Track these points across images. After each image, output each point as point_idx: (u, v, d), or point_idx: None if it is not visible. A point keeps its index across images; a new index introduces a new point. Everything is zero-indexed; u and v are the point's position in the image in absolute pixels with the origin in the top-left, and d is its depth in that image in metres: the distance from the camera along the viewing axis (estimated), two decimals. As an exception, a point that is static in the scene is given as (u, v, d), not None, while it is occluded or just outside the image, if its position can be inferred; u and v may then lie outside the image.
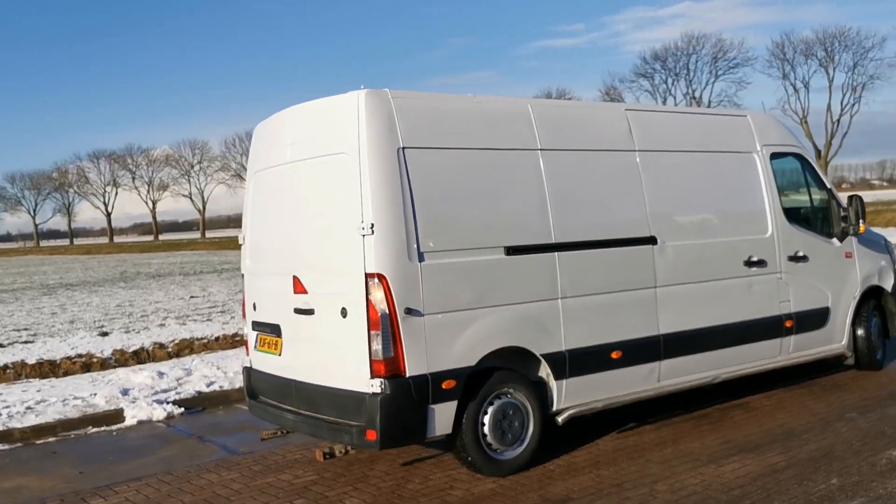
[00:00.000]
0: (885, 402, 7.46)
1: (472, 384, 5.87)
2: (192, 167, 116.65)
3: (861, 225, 8.36)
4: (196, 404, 9.46)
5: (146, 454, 7.49)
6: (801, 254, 7.95)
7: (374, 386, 5.52)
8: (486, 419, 5.96)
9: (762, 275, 7.65)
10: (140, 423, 8.79)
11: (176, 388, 9.91)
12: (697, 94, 76.77)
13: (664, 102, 75.76)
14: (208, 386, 9.93)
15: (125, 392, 9.63)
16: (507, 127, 6.34)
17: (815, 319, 8.07)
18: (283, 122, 6.62)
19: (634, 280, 6.77)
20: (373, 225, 5.52)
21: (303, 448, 7.14)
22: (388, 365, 5.51)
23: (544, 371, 6.27)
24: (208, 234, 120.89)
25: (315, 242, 6.11)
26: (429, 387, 5.63)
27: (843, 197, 8.57)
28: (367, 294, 5.54)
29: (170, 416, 8.98)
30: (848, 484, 5.39)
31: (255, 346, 6.91)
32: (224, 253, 61.60)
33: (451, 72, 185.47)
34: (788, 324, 7.80)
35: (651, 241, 6.88)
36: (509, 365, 6.11)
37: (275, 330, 6.53)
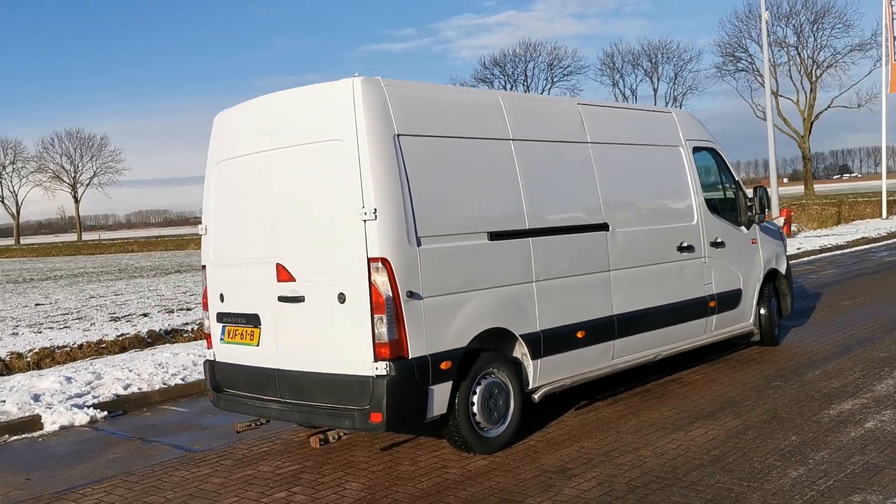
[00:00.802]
0: (798, 371, 8.26)
1: (463, 365, 6.05)
2: (4, 168, 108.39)
3: (767, 213, 9.22)
4: (117, 407, 9.06)
5: (91, 457, 7.14)
6: (719, 240, 8.67)
7: (379, 368, 5.59)
8: (476, 398, 6.16)
9: (691, 259, 8.28)
10: (63, 428, 8.32)
11: (90, 391, 9.41)
12: (533, 100, 79.68)
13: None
14: (125, 388, 9.50)
15: (36, 398, 9.05)
16: (485, 117, 6.58)
17: (731, 300, 8.81)
18: (256, 111, 6.52)
19: (593, 264, 7.18)
20: (375, 210, 5.59)
21: (266, 440, 7.08)
22: (393, 347, 5.60)
23: (521, 351, 6.53)
24: (23, 241, 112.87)
25: (304, 230, 6.08)
26: (429, 368, 5.76)
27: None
28: (370, 278, 5.60)
29: (93, 421, 8.55)
30: (807, 440, 6.00)
31: (222, 339, 6.76)
32: (49, 260, 57.94)
33: (277, 73, 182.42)
34: (712, 304, 8.49)
35: (604, 227, 7.31)
36: (493, 346, 6.33)
37: (251, 320, 6.43)
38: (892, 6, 32.62)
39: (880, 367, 8.16)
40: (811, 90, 65.70)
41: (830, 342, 9.59)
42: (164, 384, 9.72)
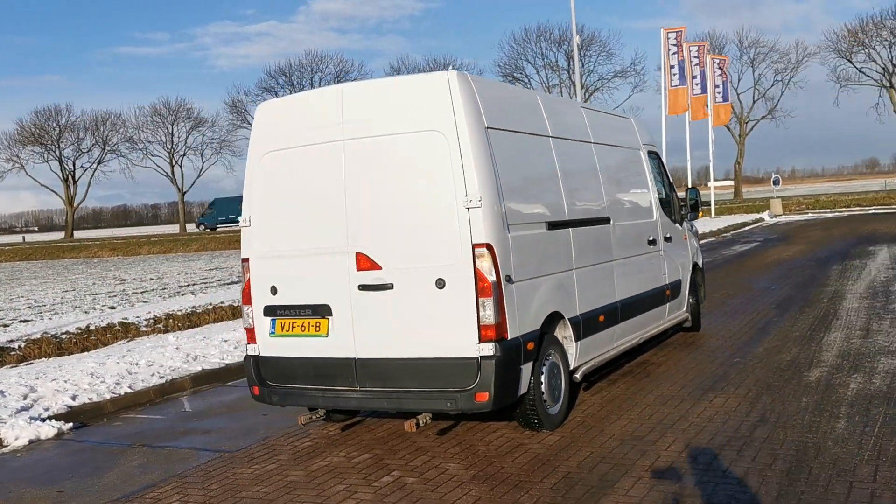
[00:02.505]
0: (742, 349, 9.35)
1: (537, 346, 6.44)
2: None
3: (700, 212, 10.34)
4: (73, 419, 8.46)
5: (110, 467, 6.74)
6: (668, 236, 9.64)
7: (485, 349, 5.84)
8: (543, 378, 6.56)
9: (655, 252, 9.17)
10: (32, 442, 7.74)
11: (32, 405, 8.69)
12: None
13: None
14: (74, 398, 8.87)
15: (-24, 415, 8.24)
16: (534, 115, 7.04)
17: (676, 290, 9.81)
18: (323, 102, 6.51)
19: (604, 254, 7.82)
20: (480, 198, 5.85)
21: (299, 436, 7.02)
22: (497, 329, 5.88)
23: (564, 333, 7.01)
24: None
25: (392, 218, 6.17)
26: (521, 349, 6.10)
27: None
28: (475, 263, 5.86)
29: (61, 433, 8.00)
30: (819, 399, 6.96)
31: (272, 332, 6.65)
32: None
33: (14, 73, 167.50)
34: (668, 293, 9.44)
35: (608, 221, 7.98)
36: (550, 329, 6.76)
37: (318, 311, 6.41)
38: (668, 38, 36.42)
39: (808, 342, 9.44)
40: (582, 112, 71.19)
41: (741, 326, 10.87)
42: (114, 393, 9.17)
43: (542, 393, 6.54)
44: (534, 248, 6.52)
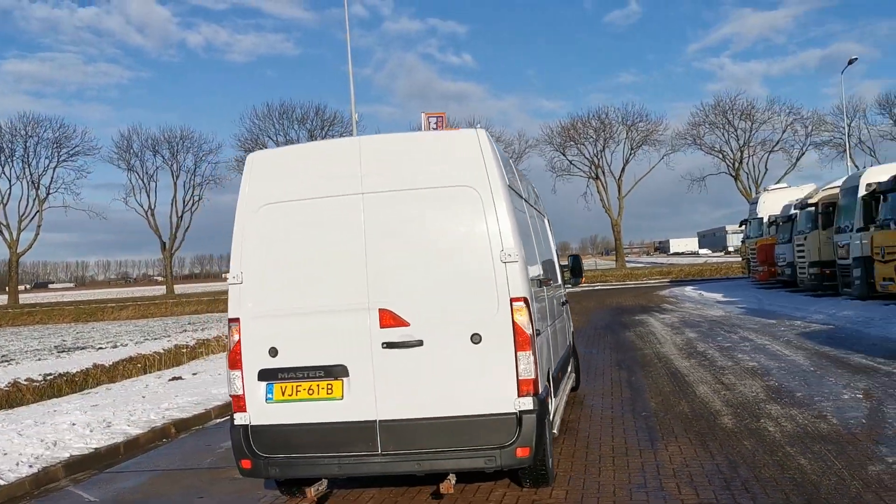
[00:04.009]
0: (636, 405, 10.02)
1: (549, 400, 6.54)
2: None
3: (582, 277, 11.00)
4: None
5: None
6: (564, 299, 10.19)
7: (525, 404, 5.85)
8: (554, 431, 6.64)
9: (565, 312, 9.66)
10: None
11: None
12: (36, 178, 73.61)
13: None
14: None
15: None
16: (517, 177, 7.27)
17: (574, 349, 10.35)
18: (337, 154, 6.27)
19: (552, 313, 8.13)
20: (512, 253, 5.93)
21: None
22: (534, 384, 5.92)
23: (550, 388, 7.16)
24: None
25: (420, 273, 6.01)
26: (549, 401, 6.18)
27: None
28: (513, 317, 5.88)
29: None
30: (754, 442, 7.69)
31: (270, 398, 6.13)
32: None
33: None
34: (573, 351, 9.95)
35: (549, 280, 8.32)
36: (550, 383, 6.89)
37: (331, 372, 6.03)
38: (429, 122, 38.33)
39: (686, 396, 10.33)
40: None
41: (606, 385, 11.61)
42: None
43: (549, 447, 6.61)
44: (539, 303, 6.68)
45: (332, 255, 6.16)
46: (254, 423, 6.16)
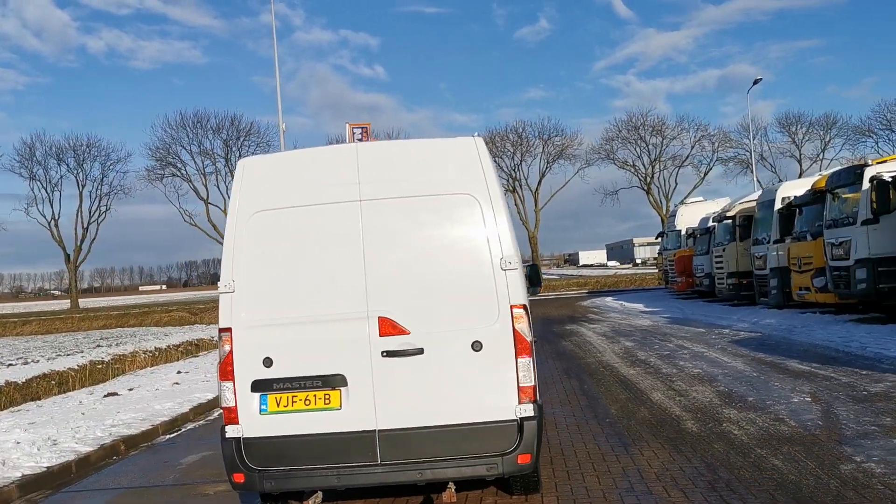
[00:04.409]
0: (598, 412, 10.20)
1: None
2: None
3: (541, 286, 11.11)
4: None
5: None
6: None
7: (527, 410, 5.88)
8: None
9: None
10: None
11: None
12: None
13: None
14: None
15: None
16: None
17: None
18: (332, 161, 6.18)
19: None
20: (512, 261, 5.98)
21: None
22: (533, 390, 5.96)
23: None
24: None
25: (421, 281, 5.98)
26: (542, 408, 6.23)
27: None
28: (514, 325, 5.92)
29: None
30: (725, 445, 7.94)
31: (264, 409, 5.99)
32: None
33: None
34: None
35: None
36: None
37: (329, 382, 5.94)
38: (353, 134, 38.18)
39: (643, 403, 10.57)
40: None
41: (560, 393, 11.78)
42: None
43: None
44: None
45: (329, 263, 6.08)
46: (247, 435, 6.01)
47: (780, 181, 61.61)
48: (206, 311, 49.00)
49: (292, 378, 5.98)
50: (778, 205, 24.31)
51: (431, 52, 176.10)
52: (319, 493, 6.28)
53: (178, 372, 17.05)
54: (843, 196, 19.79)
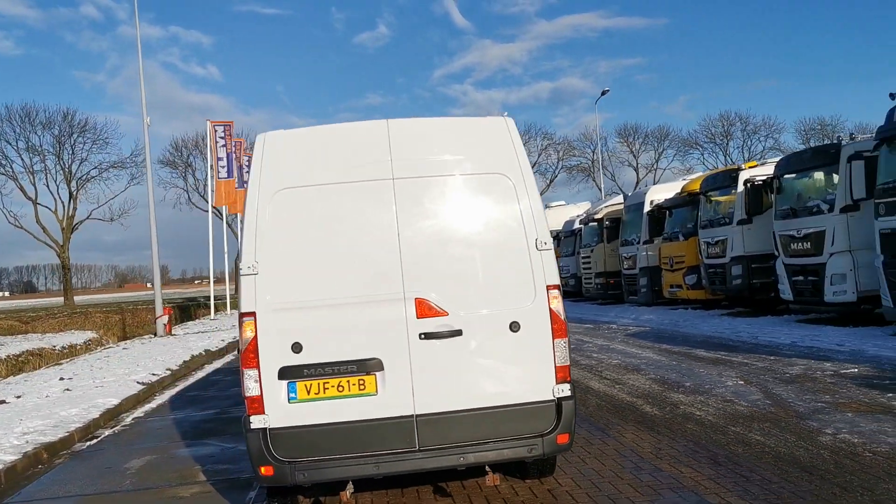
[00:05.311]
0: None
1: None
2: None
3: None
4: None
5: None
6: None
7: (564, 390, 5.86)
8: None
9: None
10: None
11: None
12: None
13: None
14: None
15: None
16: None
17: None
18: (362, 138, 5.90)
19: None
20: (547, 241, 5.96)
21: None
22: (568, 370, 5.95)
23: None
24: None
25: (457, 261, 5.82)
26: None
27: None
28: (550, 305, 5.89)
29: None
30: (704, 431, 8.26)
31: (293, 397, 5.66)
32: None
33: None
34: None
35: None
36: None
37: (364, 366, 5.68)
38: (215, 131, 36.90)
39: (614, 383, 10.81)
40: (71, 200, 66.04)
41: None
42: None
43: (555, 435, 6.64)
44: None
45: (361, 243, 5.82)
46: (274, 425, 5.64)
47: (620, 188, 65.00)
48: (39, 320, 45.61)
49: (324, 364, 5.68)
50: (647, 207, 25.57)
51: (269, 53, 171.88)
52: (351, 485, 5.99)
53: (62, 378, 15.79)
54: (717, 199, 21.09)
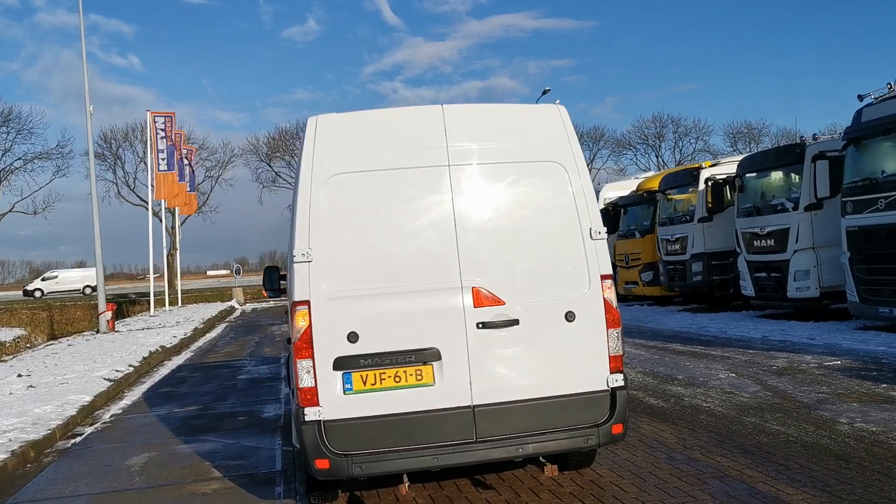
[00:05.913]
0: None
1: None
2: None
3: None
4: None
5: None
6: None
7: (618, 380, 5.84)
8: None
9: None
10: None
11: None
12: None
13: None
14: None
15: None
16: None
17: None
18: (424, 121, 5.77)
19: None
20: (601, 231, 5.93)
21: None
22: (621, 360, 5.93)
23: None
24: None
25: (513, 250, 5.73)
26: None
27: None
28: (604, 295, 5.86)
29: None
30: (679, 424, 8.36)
31: (349, 388, 5.49)
32: None
33: None
34: None
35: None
36: None
37: (422, 356, 5.55)
38: (155, 123, 35.89)
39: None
40: (-7, 192, 63.34)
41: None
42: None
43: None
44: None
45: (417, 230, 5.68)
46: (329, 417, 5.46)
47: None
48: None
49: (382, 353, 5.53)
50: (601, 205, 25.87)
51: (193, 45, 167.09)
52: (406, 478, 5.84)
53: (20, 375, 15.10)
54: (676, 197, 21.45)
